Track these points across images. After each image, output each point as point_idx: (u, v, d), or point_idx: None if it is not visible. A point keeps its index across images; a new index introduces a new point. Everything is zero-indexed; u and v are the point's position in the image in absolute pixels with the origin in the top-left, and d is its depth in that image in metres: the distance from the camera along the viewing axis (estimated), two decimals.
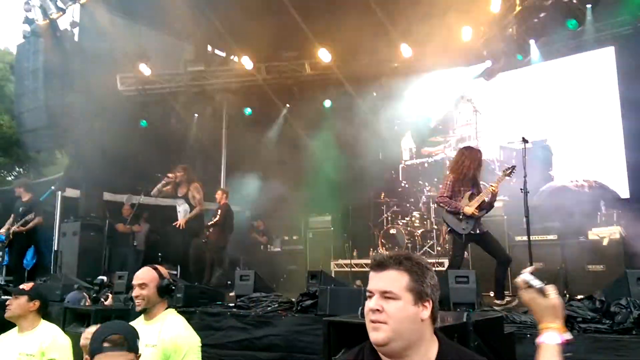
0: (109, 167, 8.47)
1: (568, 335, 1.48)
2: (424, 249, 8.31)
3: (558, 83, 8.40)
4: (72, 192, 9.25)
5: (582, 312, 3.31)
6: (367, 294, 1.54)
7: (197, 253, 7.76)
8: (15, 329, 3.35)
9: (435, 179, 9.25)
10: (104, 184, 9.43)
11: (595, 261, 5.89)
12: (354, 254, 8.84)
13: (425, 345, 1.51)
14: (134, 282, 2.88)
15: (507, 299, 5.02)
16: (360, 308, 2.36)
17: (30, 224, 8.00)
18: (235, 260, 9.20)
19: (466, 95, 9.33)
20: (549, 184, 8.38)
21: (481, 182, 5.57)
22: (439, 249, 8.25)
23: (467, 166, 5.24)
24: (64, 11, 8.40)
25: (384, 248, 8.40)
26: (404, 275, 1.51)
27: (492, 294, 5.55)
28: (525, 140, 5.29)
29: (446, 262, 6.95)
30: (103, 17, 8.59)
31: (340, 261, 8.65)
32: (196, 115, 10.71)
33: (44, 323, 3.37)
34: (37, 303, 3.34)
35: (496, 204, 5.69)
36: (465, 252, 7.01)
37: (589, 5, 7.31)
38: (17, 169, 21.92)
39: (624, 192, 7.66)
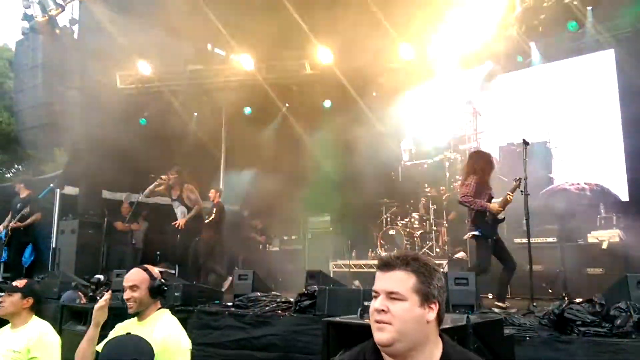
0: (108, 165, 8.43)
1: None
2: (423, 250, 8.28)
3: (558, 85, 8.39)
4: (70, 190, 9.22)
5: (581, 316, 3.29)
6: (373, 294, 1.52)
7: (196, 252, 7.75)
8: (8, 325, 3.33)
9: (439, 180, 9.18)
10: (102, 182, 9.42)
11: (595, 264, 5.92)
12: (353, 254, 8.84)
13: (430, 347, 1.50)
14: (125, 284, 2.80)
15: (507, 304, 5.03)
16: (359, 309, 2.35)
17: (29, 220, 7.98)
18: (234, 259, 9.20)
19: (466, 96, 9.31)
20: (549, 186, 8.37)
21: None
22: (438, 250, 8.22)
23: (487, 170, 5.34)
24: (63, 8, 8.39)
25: (382, 249, 8.37)
26: (411, 276, 1.50)
27: (490, 295, 5.55)
28: (526, 142, 5.30)
29: (445, 263, 6.95)
30: (102, 15, 8.56)
31: (339, 261, 8.63)
32: (195, 113, 10.69)
33: (35, 320, 3.34)
34: (30, 300, 3.32)
35: None
36: (465, 254, 7.04)
37: (589, 7, 7.33)
38: (16, 166, 21.86)
39: (624, 196, 7.65)
